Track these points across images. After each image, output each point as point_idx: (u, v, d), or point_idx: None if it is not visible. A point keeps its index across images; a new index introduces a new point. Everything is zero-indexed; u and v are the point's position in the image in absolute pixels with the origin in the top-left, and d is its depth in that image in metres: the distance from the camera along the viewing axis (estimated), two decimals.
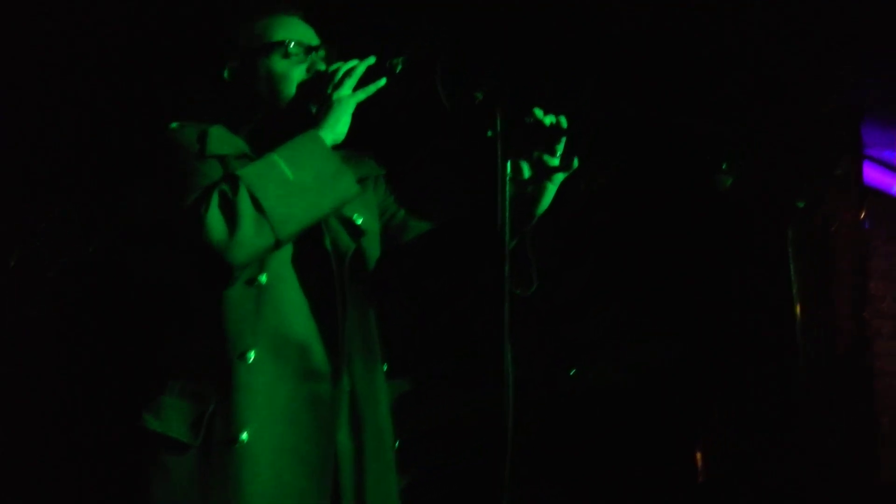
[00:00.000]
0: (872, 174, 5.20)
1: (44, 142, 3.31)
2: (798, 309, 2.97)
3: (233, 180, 1.72)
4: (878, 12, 3.60)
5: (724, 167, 2.96)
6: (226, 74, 1.99)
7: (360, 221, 1.97)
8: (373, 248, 2.01)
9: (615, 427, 3.89)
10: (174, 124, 1.91)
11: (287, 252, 1.86)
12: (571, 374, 3.33)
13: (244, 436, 1.77)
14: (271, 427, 1.81)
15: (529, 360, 3.36)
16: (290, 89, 1.93)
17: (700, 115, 3.90)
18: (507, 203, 1.68)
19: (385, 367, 1.99)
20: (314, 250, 1.88)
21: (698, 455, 3.79)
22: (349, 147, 2.07)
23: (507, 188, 1.69)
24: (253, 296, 1.83)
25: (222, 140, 1.90)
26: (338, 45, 2.00)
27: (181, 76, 3.10)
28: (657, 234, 3.97)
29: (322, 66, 1.95)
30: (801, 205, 3.08)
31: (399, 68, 1.83)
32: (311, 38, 2.00)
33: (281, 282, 1.86)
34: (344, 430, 1.87)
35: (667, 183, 3.87)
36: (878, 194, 5.43)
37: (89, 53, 3.32)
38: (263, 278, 1.83)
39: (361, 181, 2.01)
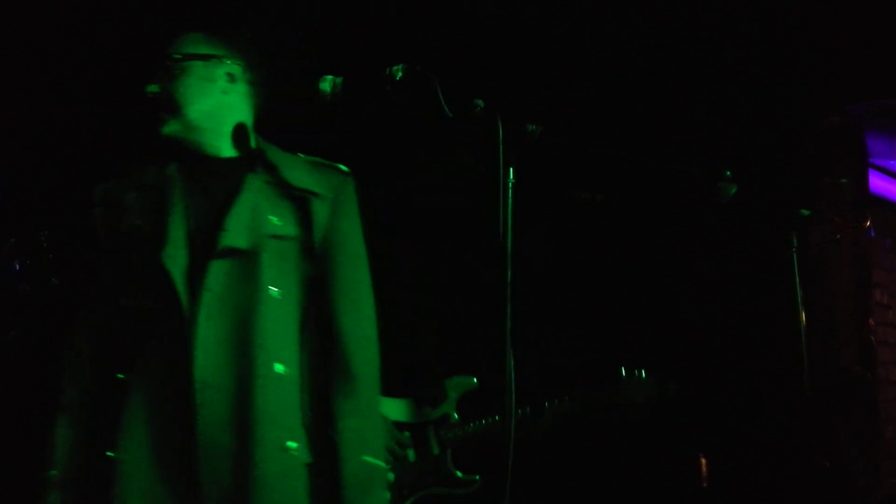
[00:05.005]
0: (878, 183, 5.20)
1: (50, 143, 3.33)
2: (803, 317, 2.96)
3: None
4: (884, 21, 3.60)
5: (727, 174, 2.96)
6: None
7: (275, 221, 2.06)
8: (284, 255, 2.08)
9: (619, 435, 3.89)
10: (99, 188, 2.14)
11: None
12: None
13: None
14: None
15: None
16: (181, 104, 2.14)
17: (703, 122, 3.91)
18: (510, 207, 1.70)
19: (281, 368, 2.01)
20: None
21: (702, 461, 3.78)
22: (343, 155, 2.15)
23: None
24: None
25: (139, 201, 2.10)
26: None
27: None
28: (660, 241, 3.98)
29: (209, 75, 2.13)
30: (805, 213, 3.07)
31: (399, 76, 1.83)
32: (211, 50, 2.15)
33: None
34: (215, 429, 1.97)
35: (670, 190, 3.87)
36: (884, 203, 5.42)
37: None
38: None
39: (301, 193, 2.13)
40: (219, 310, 1.98)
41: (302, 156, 2.20)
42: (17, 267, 3.00)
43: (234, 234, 2.02)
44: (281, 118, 2.40)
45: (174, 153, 2.15)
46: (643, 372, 3.38)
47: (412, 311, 3.42)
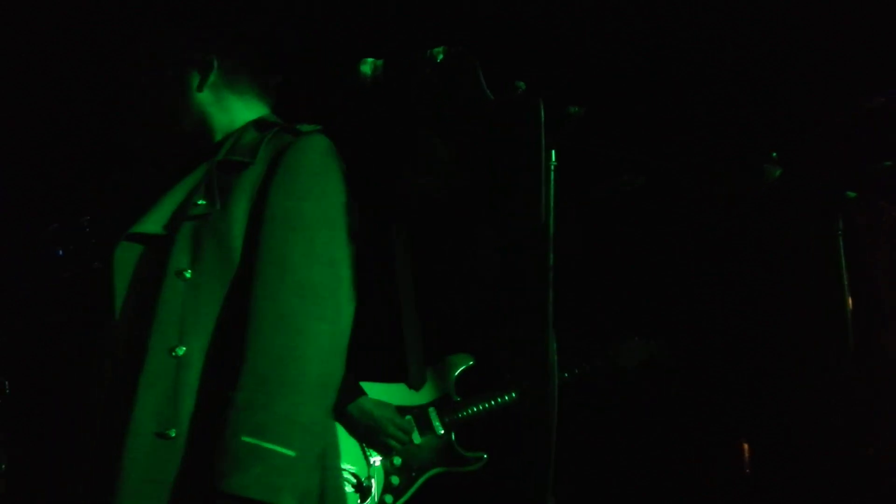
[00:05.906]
0: None
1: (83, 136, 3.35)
2: (849, 302, 2.92)
3: None
4: None
5: (773, 156, 2.92)
6: None
7: (200, 202, 2.04)
8: (200, 235, 2.01)
9: (661, 419, 3.88)
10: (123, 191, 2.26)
11: None
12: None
13: None
14: None
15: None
16: (161, 116, 2.25)
17: (748, 105, 3.86)
18: (552, 191, 1.68)
19: (183, 351, 1.94)
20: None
21: (745, 447, 3.76)
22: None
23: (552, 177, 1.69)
24: None
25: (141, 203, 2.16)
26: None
27: None
28: (705, 224, 3.95)
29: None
30: (852, 196, 3.03)
31: (440, 58, 1.81)
32: (181, 55, 2.23)
33: None
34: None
35: (713, 172, 3.84)
36: None
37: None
38: None
39: (235, 166, 2.09)
40: (132, 296, 2.01)
41: (275, 129, 2.17)
42: (61, 253, 3.02)
43: (151, 220, 2.05)
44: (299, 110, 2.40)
45: (185, 154, 2.21)
46: (631, 337, 3.43)
47: (408, 296, 3.43)
